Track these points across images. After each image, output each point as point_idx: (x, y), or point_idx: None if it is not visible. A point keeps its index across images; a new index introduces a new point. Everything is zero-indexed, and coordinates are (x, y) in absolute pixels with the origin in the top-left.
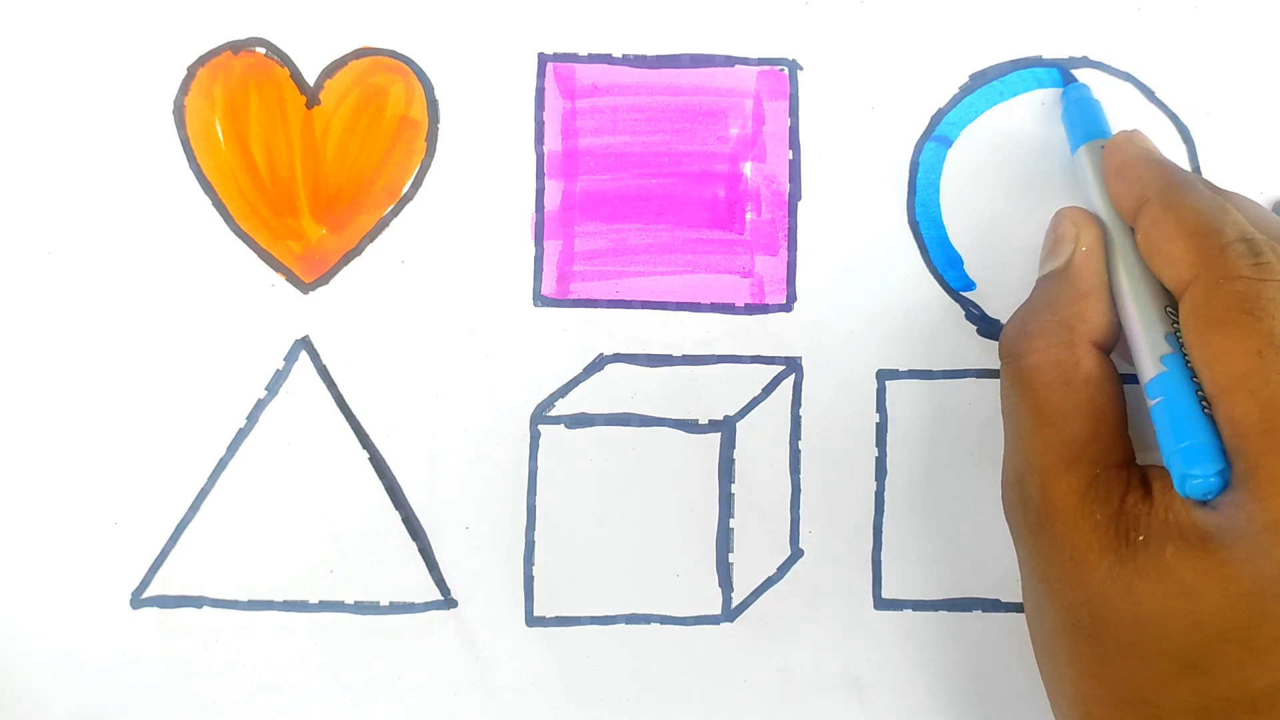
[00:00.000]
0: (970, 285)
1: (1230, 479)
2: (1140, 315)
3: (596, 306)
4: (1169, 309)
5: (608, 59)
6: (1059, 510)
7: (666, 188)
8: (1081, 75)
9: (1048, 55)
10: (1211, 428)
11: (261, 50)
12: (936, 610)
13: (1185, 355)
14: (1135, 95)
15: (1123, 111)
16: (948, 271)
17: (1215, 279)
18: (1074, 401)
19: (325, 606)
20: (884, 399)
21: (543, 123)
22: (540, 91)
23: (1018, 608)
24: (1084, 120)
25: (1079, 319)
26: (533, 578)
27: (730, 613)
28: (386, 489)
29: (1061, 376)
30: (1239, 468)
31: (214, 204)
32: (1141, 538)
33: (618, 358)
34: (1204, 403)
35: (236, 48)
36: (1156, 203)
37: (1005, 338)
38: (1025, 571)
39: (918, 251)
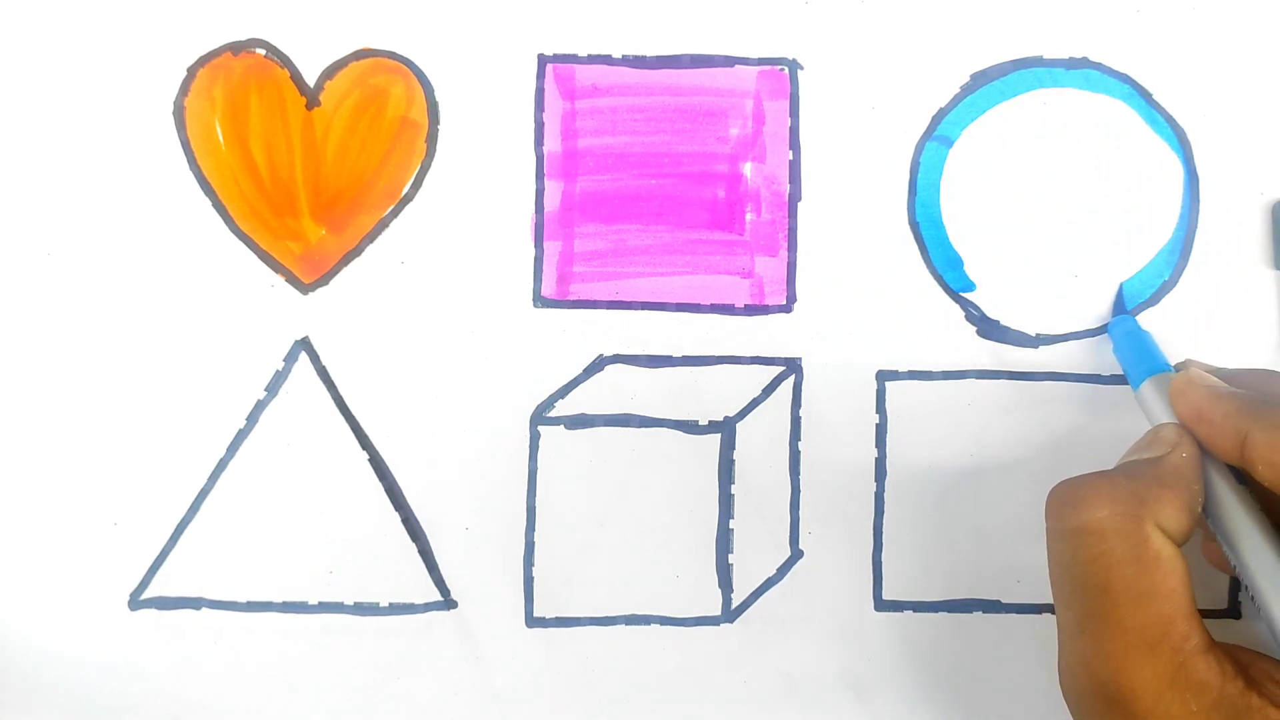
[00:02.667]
0: (970, 285)
1: None
2: (1254, 549)
3: (596, 307)
4: None
5: (607, 60)
6: (1144, 701)
7: (666, 188)
8: (1081, 76)
9: (1048, 55)
10: None
11: (261, 51)
12: (936, 611)
13: None
14: (1135, 96)
15: (1122, 113)
16: (948, 271)
17: None
18: (1149, 581)
19: (325, 608)
20: (884, 399)
21: (542, 123)
22: (540, 92)
23: (1018, 608)
24: (1138, 355)
25: (1155, 500)
26: (532, 578)
27: (730, 614)
28: (386, 490)
29: (1131, 551)
30: None
31: (214, 205)
32: None
33: (617, 358)
34: None
35: (236, 49)
36: (1260, 429)
37: (1059, 489)
38: None
39: (918, 251)
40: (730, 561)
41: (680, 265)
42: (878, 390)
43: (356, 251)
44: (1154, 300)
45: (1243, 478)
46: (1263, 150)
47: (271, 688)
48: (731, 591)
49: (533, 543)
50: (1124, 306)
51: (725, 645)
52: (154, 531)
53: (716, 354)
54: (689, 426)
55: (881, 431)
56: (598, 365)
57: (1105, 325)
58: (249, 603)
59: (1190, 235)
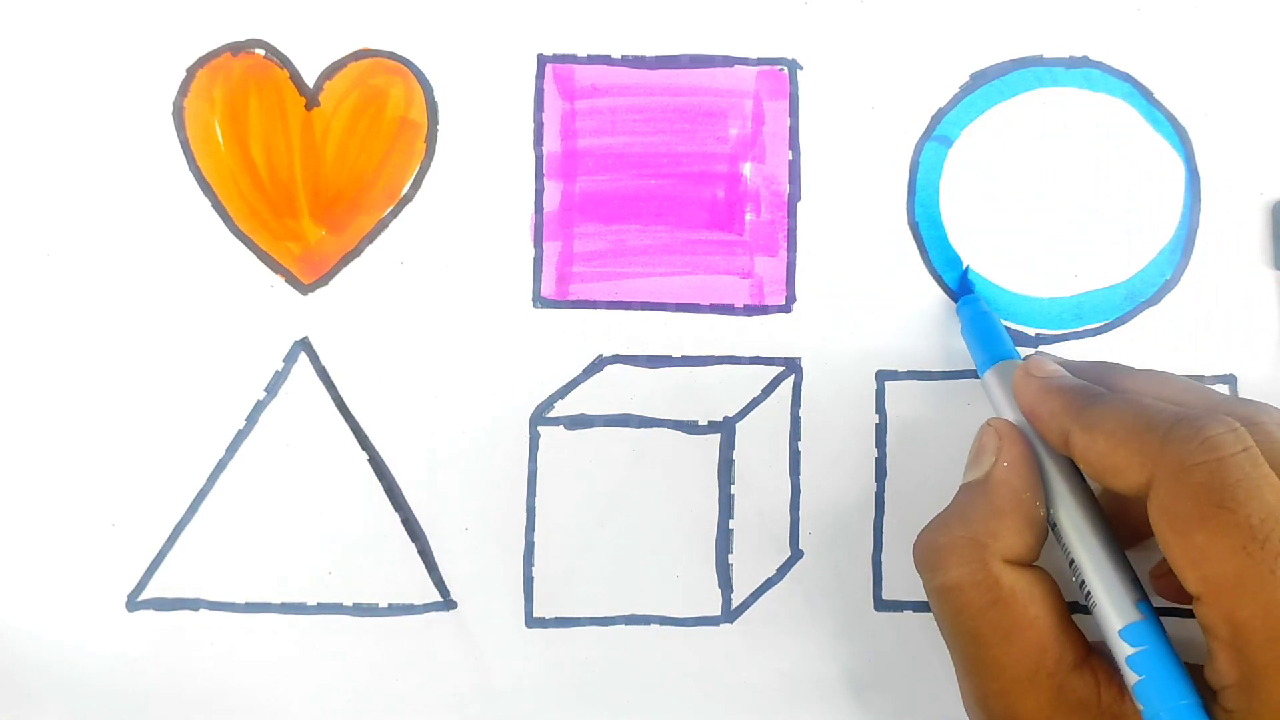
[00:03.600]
0: (970, 286)
1: (1241, 673)
2: (1100, 572)
3: (596, 308)
4: (1123, 561)
5: (607, 60)
6: None
7: (666, 188)
8: (1081, 75)
9: (1048, 55)
10: (1192, 689)
11: (261, 52)
12: None
13: (1155, 620)
14: (1135, 95)
15: (1122, 112)
16: (947, 272)
17: (1172, 474)
18: (1010, 621)
19: (324, 609)
20: (884, 399)
21: (542, 124)
22: (539, 92)
23: None
24: (985, 339)
25: (992, 536)
26: (532, 579)
27: (730, 614)
28: (386, 490)
29: (986, 597)
30: (1243, 668)
31: (213, 205)
32: None
33: (617, 359)
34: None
35: (236, 49)
36: (1079, 429)
37: (918, 549)
38: None
39: (918, 251)
40: (730, 561)
41: (680, 265)
42: (878, 390)
43: (356, 252)
44: (1155, 300)
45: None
46: (1263, 150)
47: (271, 688)
48: (731, 591)
49: (533, 543)
50: (970, 286)
51: (725, 645)
52: (152, 532)
53: (716, 354)
54: (689, 426)
55: (881, 431)
56: (598, 365)
57: (1108, 324)
58: (247, 603)
59: (1191, 235)
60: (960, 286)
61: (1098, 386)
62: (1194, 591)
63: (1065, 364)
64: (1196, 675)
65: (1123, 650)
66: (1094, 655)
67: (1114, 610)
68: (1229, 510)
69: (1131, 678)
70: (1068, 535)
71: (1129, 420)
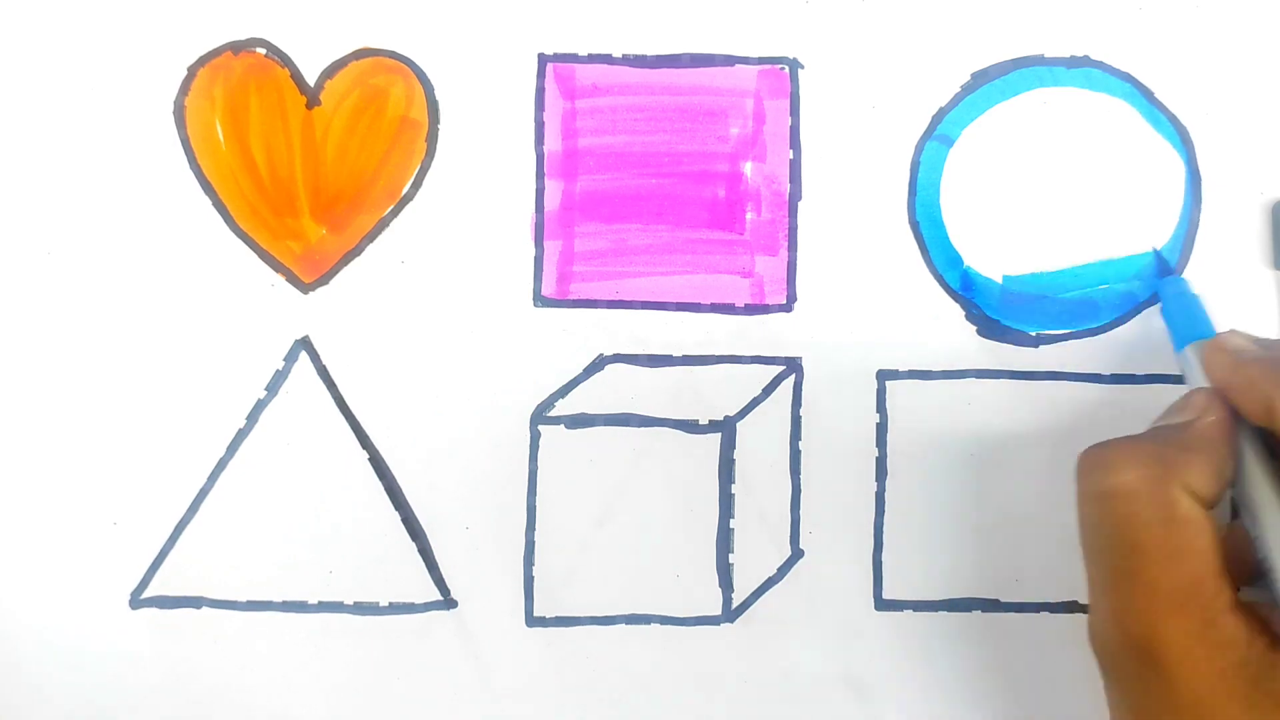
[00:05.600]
0: (971, 285)
1: None
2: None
3: (596, 307)
4: None
5: (608, 59)
6: (1173, 654)
7: (666, 188)
8: (1082, 75)
9: (1049, 54)
10: None
11: (262, 51)
12: (936, 611)
13: None
14: (1135, 95)
15: (1122, 112)
16: (948, 271)
17: None
18: (1178, 541)
19: (324, 607)
20: (884, 399)
21: (543, 123)
22: (540, 92)
23: (1018, 608)
24: (1185, 319)
25: (1183, 465)
26: (533, 578)
27: (730, 613)
28: (386, 489)
29: (1159, 511)
30: None
31: (214, 204)
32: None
33: (618, 358)
34: None
35: (237, 48)
36: None
37: (1087, 455)
38: (1123, 714)
39: (918, 251)
40: (730, 561)
41: (680, 265)
42: (878, 390)
43: (356, 251)
44: (1155, 299)
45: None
46: (1264, 150)
47: (271, 687)
48: (731, 591)
49: (533, 542)
50: (1169, 267)
51: (725, 645)
52: (154, 531)
53: (716, 353)
54: (689, 426)
55: (881, 431)
56: (598, 365)
57: (1108, 323)
58: (249, 602)
59: (1192, 234)
60: (1159, 267)
61: None
62: None
63: (1258, 341)
64: None
65: None
66: (1248, 606)
67: None
68: None
69: None
70: (1254, 504)
71: None
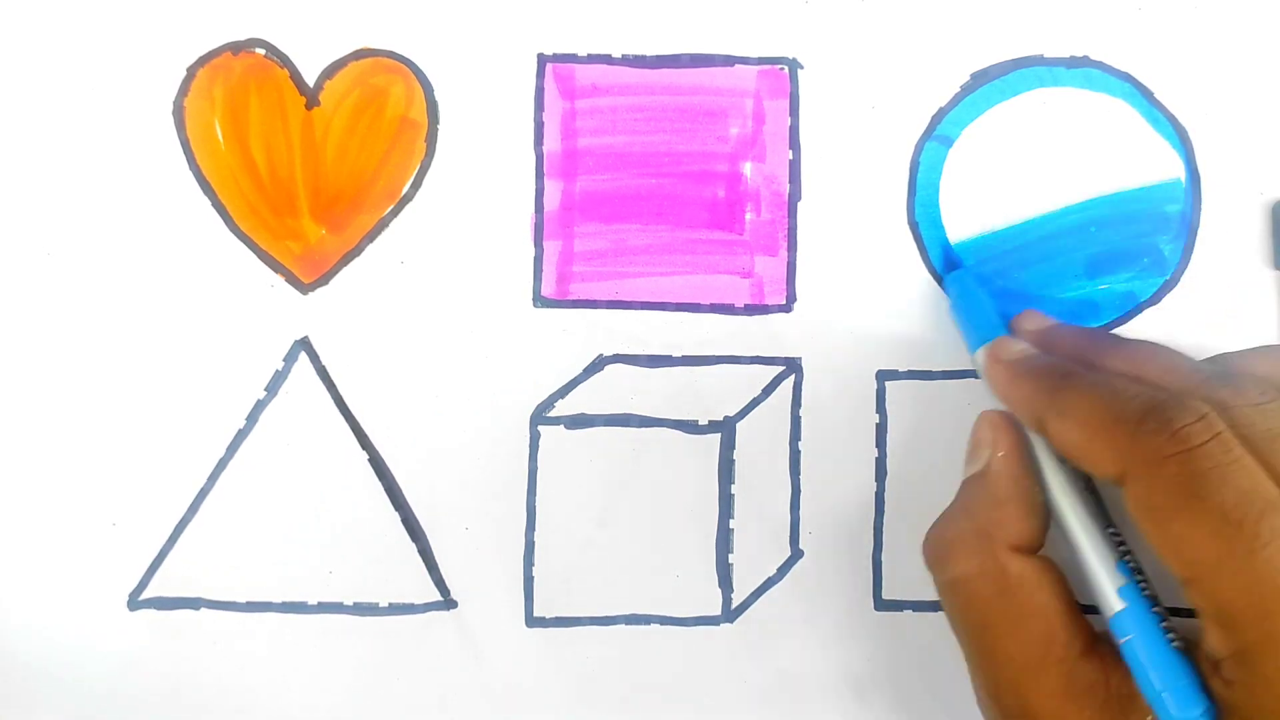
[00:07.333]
0: (958, 260)
1: (1235, 648)
2: (1087, 542)
3: (596, 307)
4: (1111, 531)
5: (607, 59)
6: (1044, 715)
7: (666, 188)
8: (1081, 75)
9: (1049, 54)
10: (1188, 667)
11: (261, 51)
12: (936, 611)
13: (1140, 582)
14: (1135, 95)
15: (1122, 112)
16: (948, 272)
17: (1145, 468)
18: (1018, 609)
19: (324, 608)
20: (884, 399)
21: (542, 123)
22: (540, 92)
23: None
24: (975, 316)
25: (997, 526)
26: (533, 578)
27: (730, 613)
28: (386, 489)
29: (994, 587)
30: (1235, 643)
31: (214, 205)
32: (1148, 718)
33: (617, 358)
34: (1170, 633)
35: (236, 48)
36: (1052, 417)
37: (927, 546)
38: None
39: (918, 251)
40: (730, 561)
41: (680, 265)
42: (878, 390)
43: (356, 251)
44: (1155, 300)
45: None
46: (1264, 150)
47: (271, 688)
48: (731, 591)
49: (533, 543)
50: (957, 260)
51: (725, 645)
52: (153, 531)
53: (716, 354)
54: (689, 426)
55: (881, 431)
56: (598, 365)
57: (1108, 324)
58: (248, 603)
59: (1192, 234)
60: (945, 263)
61: (1070, 365)
62: (1179, 576)
63: (1049, 332)
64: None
65: (1111, 608)
66: (1101, 643)
67: (1102, 572)
68: (1202, 499)
69: (1119, 640)
70: (1056, 511)
71: (1099, 410)
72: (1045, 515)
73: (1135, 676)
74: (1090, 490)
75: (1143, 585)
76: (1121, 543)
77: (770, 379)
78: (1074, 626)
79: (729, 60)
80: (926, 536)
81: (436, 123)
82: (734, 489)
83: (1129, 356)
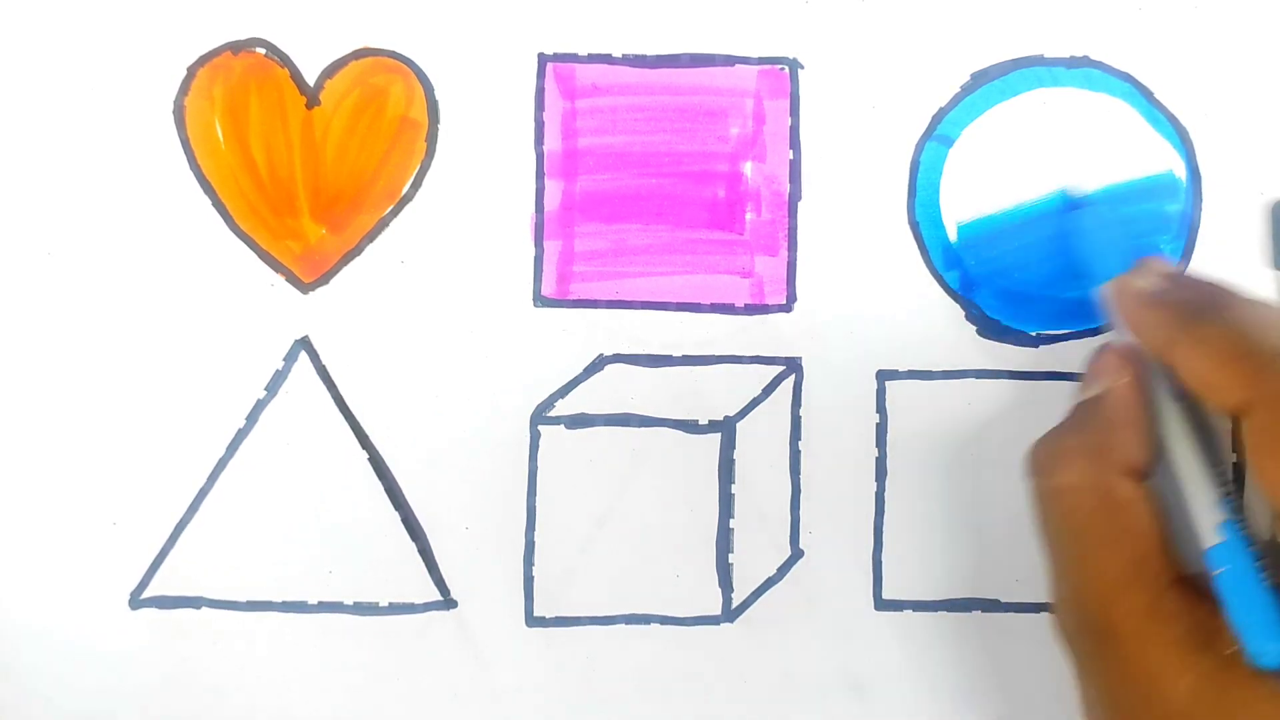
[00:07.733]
0: (970, 285)
1: None
2: (1195, 476)
3: (596, 307)
4: (1218, 469)
5: (608, 59)
6: (1126, 631)
7: (666, 188)
8: (1081, 75)
9: (1049, 54)
10: (1277, 602)
11: (261, 51)
12: (936, 610)
13: (1240, 522)
14: (1135, 95)
15: (1122, 112)
16: (948, 271)
17: (1269, 400)
18: (1119, 526)
19: (324, 607)
20: (884, 399)
21: (542, 123)
22: (540, 91)
23: (1017, 608)
24: (1106, 249)
25: (1109, 448)
26: (533, 578)
27: (730, 613)
28: (386, 489)
29: (1098, 501)
30: None
31: (214, 204)
32: (1230, 651)
33: (618, 358)
34: (1264, 572)
35: (236, 48)
36: (1184, 342)
37: (1032, 456)
38: (1089, 693)
39: (918, 251)
40: (730, 561)
41: (680, 265)
42: (878, 390)
43: (356, 251)
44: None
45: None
46: (1264, 150)
47: (271, 687)
48: (731, 591)
49: (533, 543)
50: (1079, 201)
51: (725, 645)
52: (154, 531)
53: (716, 354)
54: (689, 426)
55: (881, 431)
56: (598, 365)
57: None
58: (249, 602)
59: (1192, 234)
60: (1069, 200)
61: (1205, 300)
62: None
63: (1177, 275)
64: None
65: (1210, 540)
66: (1191, 579)
67: (1205, 505)
68: None
69: (1214, 571)
70: (1166, 446)
71: (1233, 340)
72: (1156, 448)
73: (1227, 608)
74: (1202, 430)
75: (1242, 525)
76: (1226, 482)
77: (770, 379)
78: (1167, 556)
79: (729, 60)
80: (1034, 445)
81: (437, 122)
82: (734, 489)
83: (1255, 308)
